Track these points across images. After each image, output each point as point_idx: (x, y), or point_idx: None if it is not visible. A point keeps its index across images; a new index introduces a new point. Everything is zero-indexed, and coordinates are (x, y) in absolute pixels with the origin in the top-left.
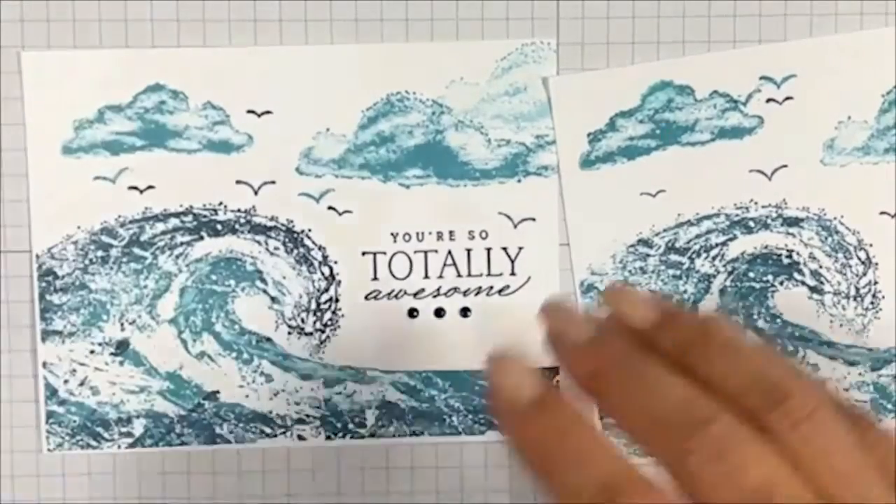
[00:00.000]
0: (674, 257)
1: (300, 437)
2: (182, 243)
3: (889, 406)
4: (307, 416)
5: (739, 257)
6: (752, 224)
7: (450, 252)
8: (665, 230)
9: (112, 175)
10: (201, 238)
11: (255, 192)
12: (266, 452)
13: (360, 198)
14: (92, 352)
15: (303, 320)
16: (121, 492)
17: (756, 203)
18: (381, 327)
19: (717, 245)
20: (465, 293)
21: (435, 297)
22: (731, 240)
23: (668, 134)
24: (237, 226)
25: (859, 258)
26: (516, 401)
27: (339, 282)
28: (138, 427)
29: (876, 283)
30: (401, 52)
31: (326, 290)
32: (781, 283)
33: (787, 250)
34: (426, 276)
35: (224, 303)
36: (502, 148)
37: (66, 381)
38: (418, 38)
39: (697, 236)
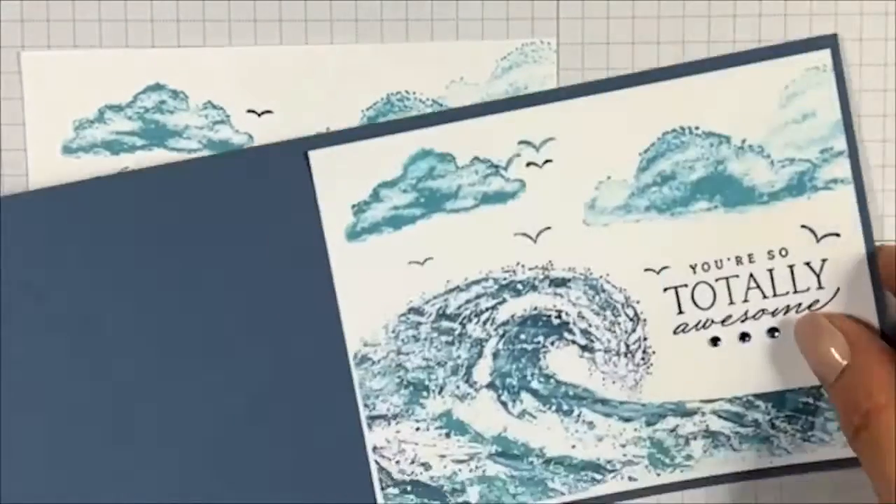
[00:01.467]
0: (445, 324)
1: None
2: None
3: (667, 461)
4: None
5: (510, 320)
6: (520, 287)
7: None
8: (435, 297)
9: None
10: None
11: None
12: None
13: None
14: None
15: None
16: None
17: (523, 266)
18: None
19: (487, 309)
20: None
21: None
22: (500, 303)
23: (432, 202)
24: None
25: (627, 315)
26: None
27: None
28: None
29: (646, 338)
30: (401, 52)
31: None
32: (553, 344)
33: (557, 311)
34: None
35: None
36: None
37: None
38: (418, 38)
39: (467, 301)
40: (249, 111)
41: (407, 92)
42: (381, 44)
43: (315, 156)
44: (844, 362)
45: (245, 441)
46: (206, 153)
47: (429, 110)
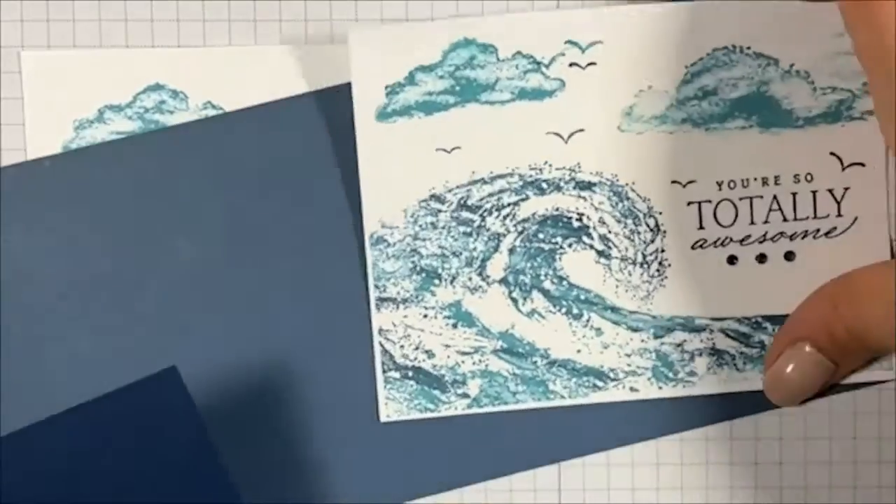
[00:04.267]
0: (465, 214)
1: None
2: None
3: (669, 374)
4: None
5: (530, 218)
6: (545, 185)
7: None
8: (458, 187)
9: None
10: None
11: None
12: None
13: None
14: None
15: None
16: None
17: (550, 165)
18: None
19: (509, 205)
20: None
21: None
22: (523, 200)
23: (467, 91)
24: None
25: (648, 225)
26: None
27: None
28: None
29: (663, 250)
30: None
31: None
32: (570, 246)
33: (578, 213)
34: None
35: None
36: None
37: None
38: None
39: (490, 195)
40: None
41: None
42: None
43: (354, 36)
44: None
45: (254, 307)
46: None
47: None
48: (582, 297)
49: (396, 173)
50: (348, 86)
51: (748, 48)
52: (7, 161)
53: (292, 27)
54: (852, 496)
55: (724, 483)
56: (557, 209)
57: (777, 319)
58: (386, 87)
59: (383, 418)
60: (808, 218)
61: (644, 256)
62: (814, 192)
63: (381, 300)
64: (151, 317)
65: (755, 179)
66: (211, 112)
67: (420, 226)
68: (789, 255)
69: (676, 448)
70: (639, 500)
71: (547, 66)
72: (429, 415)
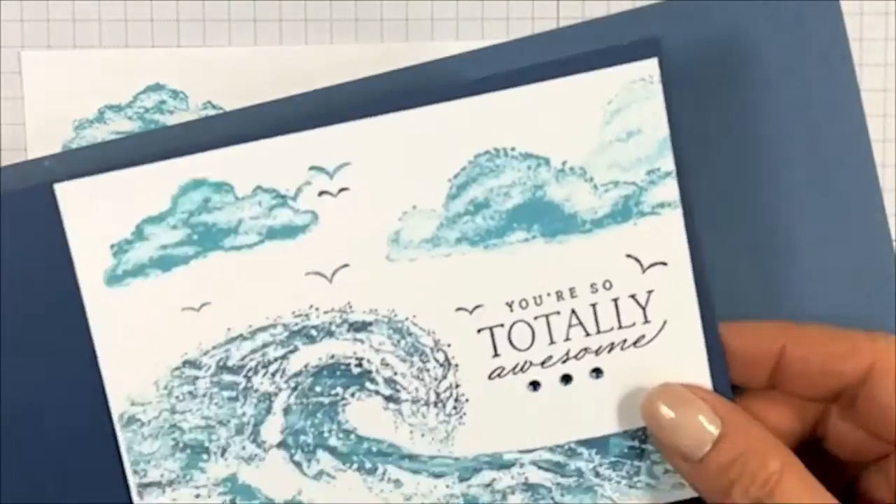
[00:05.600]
0: (227, 377)
1: None
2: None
3: None
4: None
5: (303, 370)
6: (314, 333)
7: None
8: (214, 347)
9: None
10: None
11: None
12: None
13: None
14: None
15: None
16: None
17: (317, 309)
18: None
19: (276, 359)
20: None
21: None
22: (291, 352)
23: (207, 238)
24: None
25: (437, 360)
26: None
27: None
28: None
29: (458, 385)
30: (401, 53)
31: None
32: (353, 395)
33: (357, 358)
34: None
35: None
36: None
37: None
38: (418, 38)
39: (253, 351)
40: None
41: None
42: (380, 43)
43: (63, 189)
44: (717, 431)
45: None
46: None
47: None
48: (374, 448)
49: (139, 342)
50: None
51: (513, 149)
52: (7, 161)
53: (293, 27)
54: None
55: None
56: (333, 357)
57: (591, 443)
58: (112, 247)
59: None
60: (612, 329)
61: (437, 395)
62: (615, 300)
63: (144, 486)
64: None
65: (548, 294)
66: (211, 112)
67: (177, 397)
68: (596, 372)
69: None
70: None
71: (294, 199)
72: None
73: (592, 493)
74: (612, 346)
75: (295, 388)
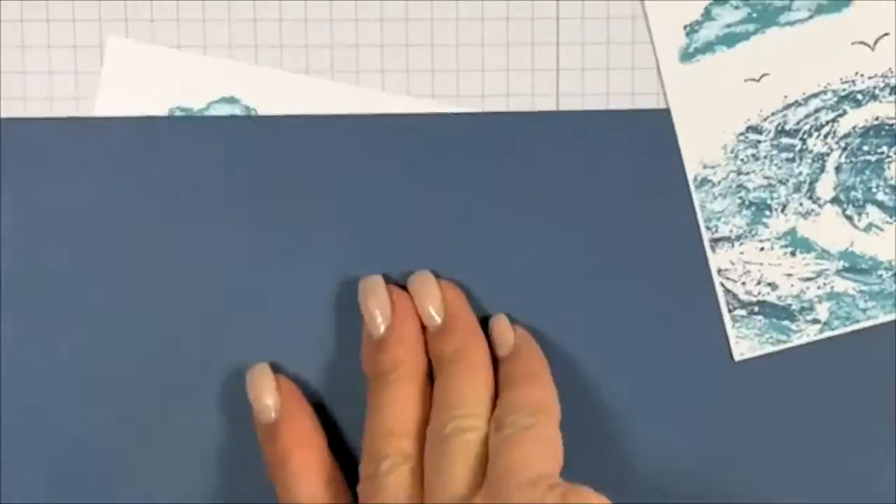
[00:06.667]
0: (785, 140)
1: None
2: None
3: None
4: None
5: (851, 132)
6: (860, 97)
7: None
8: (773, 114)
9: None
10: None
11: None
12: None
13: None
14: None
15: None
16: None
17: (862, 75)
18: None
19: (827, 122)
20: None
21: None
22: (840, 116)
23: (765, 16)
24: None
25: None
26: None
27: None
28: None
29: None
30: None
31: None
32: None
33: None
34: None
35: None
36: None
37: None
38: (419, 38)
39: (807, 116)
40: None
41: None
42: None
43: None
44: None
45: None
46: None
47: None
48: None
49: (709, 111)
50: None
51: None
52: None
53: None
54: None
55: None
56: (877, 118)
57: None
58: (685, 28)
59: (737, 357)
60: None
61: None
62: None
63: (715, 241)
64: None
65: None
66: None
67: (742, 160)
68: None
69: None
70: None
71: None
72: (782, 346)
73: None
74: None
75: (845, 148)
